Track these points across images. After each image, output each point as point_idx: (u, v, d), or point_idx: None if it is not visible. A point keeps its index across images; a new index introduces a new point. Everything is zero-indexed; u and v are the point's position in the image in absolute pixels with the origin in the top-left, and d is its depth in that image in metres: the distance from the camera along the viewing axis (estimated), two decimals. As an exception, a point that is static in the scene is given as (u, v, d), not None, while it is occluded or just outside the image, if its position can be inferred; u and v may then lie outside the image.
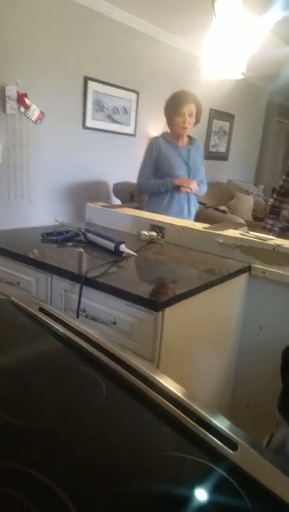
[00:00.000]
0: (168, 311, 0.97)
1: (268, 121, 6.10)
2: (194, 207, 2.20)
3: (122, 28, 3.45)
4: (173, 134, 2.10)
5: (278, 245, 1.28)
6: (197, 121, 2.09)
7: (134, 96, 3.83)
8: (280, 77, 4.53)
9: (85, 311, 1.10)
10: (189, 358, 1.15)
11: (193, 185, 2.07)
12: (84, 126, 3.40)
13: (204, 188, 2.20)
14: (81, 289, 1.08)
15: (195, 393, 0.53)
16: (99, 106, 3.56)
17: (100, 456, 0.44)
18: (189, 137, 2.16)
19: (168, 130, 2.15)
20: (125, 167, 3.78)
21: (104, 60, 3.44)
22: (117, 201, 3.59)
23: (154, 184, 2.11)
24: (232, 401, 1.41)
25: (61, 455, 0.44)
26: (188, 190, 2.05)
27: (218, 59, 1.45)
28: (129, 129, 3.94)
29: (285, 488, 0.40)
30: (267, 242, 1.31)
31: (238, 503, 0.39)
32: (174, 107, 2.02)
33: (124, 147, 3.87)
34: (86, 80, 3.32)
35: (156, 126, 3.86)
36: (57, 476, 0.40)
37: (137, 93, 3.84)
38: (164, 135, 2.14)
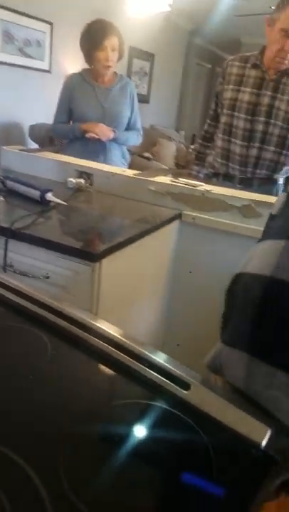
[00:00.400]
0: (105, 261, 0.95)
1: (187, 63, 5.97)
2: (119, 157, 1.93)
3: None
4: (93, 72, 1.84)
5: (207, 191, 1.30)
6: (120, 57, 1.83)
7: (47, 27, 3.41)
8: (200, 16, 4.37)
9: (12, 266, 1.02)
10: (125, 306, 1.17)
11: (102, 131, 1.78)
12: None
13: (134, 138, 1.94)
14: (7, 242, 0.99)
15: (143, 340, 0.53)
16: (8, 37, 3.11)
17: (53, 412, 0.43)
18: (116, 75, 1.89)
19: (82, 59, 1.85)
20: (42, 107, 3.43)
21: None
22: (34, 145, 3.28)
23: (64, 129, 1.90)
24: (164, 342, 1.50)
25: (12, 416, 0.41)
26: (94, 136, 1.78)
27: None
28: (44, 65, 3.53)
29: (242, 421, 0.42)
30: (196, 188, 1.33)
31: (195, 439, 0.41)
32: (93, 40, 1.74)
33: (38, 85, 3.48)
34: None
35: (74, 62, 3.51)
36: (6, 438, 0.37)
37: (51, 24, 3.41)
38: (82, 72, 1.88)
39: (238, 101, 1.58)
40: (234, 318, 0.52)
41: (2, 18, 2.99)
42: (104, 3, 3.42)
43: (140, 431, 0.42)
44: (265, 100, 1.54)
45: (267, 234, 0.55)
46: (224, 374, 0.51)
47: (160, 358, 0.50)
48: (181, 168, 4.43)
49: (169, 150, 4.67)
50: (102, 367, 0.51)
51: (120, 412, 0.45)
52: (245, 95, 1.57)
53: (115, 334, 0.53)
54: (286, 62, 1.47)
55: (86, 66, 1.89)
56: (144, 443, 0.41)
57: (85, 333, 0.53)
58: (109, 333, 0.53)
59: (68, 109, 1.88)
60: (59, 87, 2.04)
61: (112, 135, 1.81)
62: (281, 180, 1.67)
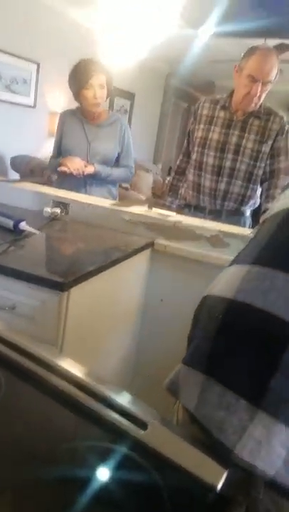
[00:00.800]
0: (74, 290, 0.95)
1: (165, 102, 6.30)
2: (104, 193, 1.87)
3: None
4: (83, 109, 1.85)
5: (178, 221, 1.35)
6: (109, 94, 1.84)
7: (34, 66, 3.59)
8: (177, 60, 4.68)
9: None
10: (94, 336, 1.16)
11: (73, 164, 1.73)
12: None
13: (121, 174, 1.90)
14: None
15: (101, 369, 0.52)
16: (-4, 75, 3.25)
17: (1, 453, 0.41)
18: (107, 112, 1.91)
19: (67, 97, 1.94)
20: (25, 140, 3.53)
21: (2, 27, 3.12)
22: (15, 175, 3.34)
23: (52, 163, 1.93)
24: (134, 372, 1.48)
25: None
26: (64, 170, 1.75)
27: (120, 36, 1.41)
28: (29, 100, 3.67)
29: (198, 463, 0.41)
30: (168, 218, 1.37)
31: (150, 482, 0.39)
32: (80, 79, 1.75)
33: (22, 119, 3.60)
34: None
35: (58, 99, 3.66)
36: None
37: (38, 64, 3.59)
38: (75, 109, 1.90)
39: (208, 139, 1.68)
40: (196, 338, 0.53)
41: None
42: (85, 48, 3.62)
43: (94, 474, 0.40)
44: (234, 139, 1.64)
45: (234, 260, 0.58)
46: (180, 396, 0.52)
47: (120, 396, 0.48)
48: (157, 198, 4.56)
49: (147, 181, 4.82)
50: (58, 406, 0.48)
51: (74, 454, 0.43)
52: (215, 134, 1.67)
53: (73, 371, 0.51)
54: (252, 105, 1.59)
55: (73, 102, 1.93)
56: (97, 486, 0.39)
57: (43, 370, 0.51)
58: (67, 370, 0.51)
59: (59, 144, 1.91)
60: (42, 121, 2.09)
61: (87, 170, 1.77)
62: (248, 213, 1.76)
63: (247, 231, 1.33)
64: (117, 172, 1.89)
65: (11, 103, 3.47)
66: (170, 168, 6.90)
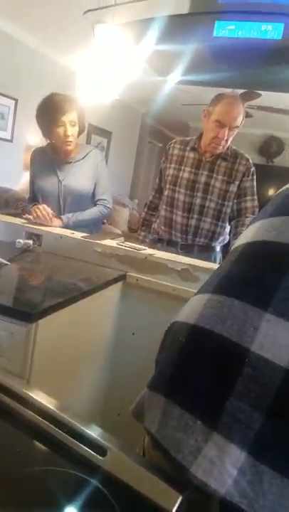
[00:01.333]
0: (42, 322, 0.94)
1: (141, 141, 6.58)
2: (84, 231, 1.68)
3: (2, 36, 3.32)
4: (54, 146, 1.76)
5: (150, 255, 1.38)
6: (82, 130, 1.75)
7: (12, 102, 3.70)
8: (151, 101, 4.96)
9: None
10: (62, 370, 1.13)
11: (39, 217, 1.63)
12: None
13: (95, 213, 1.78)
14: None
15: (67, 405, 0.53)
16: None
17: None
18: (79, 146, 1.80)
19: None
20: (1, 172, 3.56)
21: None
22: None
23: (24, 206, 1.86)
24: (104, 410, 1.44)
25: None
26: (30, 219, 1.66)
27: (95, 80, 1.50)
28: (6, 134, 3.75)
29: (154, 488, 0.42)
30: (140, 251, 1.40)
31: (106, 508, 0.40)
32: (50, 116, 1.64)
33: (0, 152, 3.65)
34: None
35: (35, 133, 3.76)
36: None
37: (16, 100, 3.71)
38: (46, 146, 1.81)
39: (179, 178, 1.77)
40: (161, 362, 0.55)
41: None
42: (62, 87, 3.79)
43: (50, 499, 0.40)
44: (202, 178, 1.73)
45: (199, 290, 0.61)
46: (144, 420, 0.52)
47: (81, 424, 0.49)
48: (133, 232, 4.64)
49: (123, 215, 4.92)
50: (17, 431, 0.48)
51: (32, 479, 0.43)
52: (185, 173, 1.76)
53: (37, 398, 0.52)
54: (220, 147, 1.70)
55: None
56: (51, 509, 0.39)
57: (6, 397, 0.51)
58: (28, 395, 0.52)
59: (33, 184, 1.85)
60: (19, 154, 2.14)
61: (54, 223, 1.65)
62: (218, 248, 1.82)
63: (216, 266, 1.38)
64: (89, 215, 1.77)
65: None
66: (146, 204, 7.10)
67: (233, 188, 1.71)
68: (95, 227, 1.88)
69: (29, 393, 0.53)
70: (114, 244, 1.47)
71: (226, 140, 1.68)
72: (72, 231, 1.60)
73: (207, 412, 0.45)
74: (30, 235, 1.58)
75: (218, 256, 1.83)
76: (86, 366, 1.30)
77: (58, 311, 0.99)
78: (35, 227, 1.60)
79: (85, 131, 4.89)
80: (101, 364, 1.39)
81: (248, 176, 1.73)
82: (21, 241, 1.52)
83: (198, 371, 0.48)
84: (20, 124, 3.83)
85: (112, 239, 1.59)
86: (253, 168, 1.74)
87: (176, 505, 0.40)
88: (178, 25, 1.15)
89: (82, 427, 0.48)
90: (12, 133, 3.79)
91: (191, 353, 0.51)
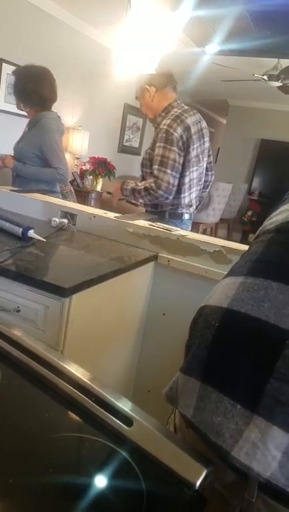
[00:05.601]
0: (75, 297, 0.97)
1: (178, 120, 6.40)
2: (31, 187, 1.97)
3: (37, 13, 3.34)
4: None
5: (182, 236, 1.37)
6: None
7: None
8: (188, 78, 4.78)
9: (-15, 299, 1.03)
10: (94, 345, 1.17)
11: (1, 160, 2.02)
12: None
13: (44, 175, 2.00)
14: (-18, 275, 1.01)
15: (98, 377, 0.54)
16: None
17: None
18: (34, 113, 2.07)
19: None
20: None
21: (18, 43, 3.29)
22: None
23: None
24: (134, 387, 1.48)
25: None
26: None
27: (132, 53, 1.47)
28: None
29: (179, 461, 0.42)
30: (172, 232, 1.39)
31: (131, 478, 0.41)
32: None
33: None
34: (0, 62, 3.16)
35: (71, 113, 3.79)
36: None
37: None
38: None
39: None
40: (193, 346, 0.54)
41: (9, 73, 3.26)
42: (97, 65, 3.76)
43: (76, 465, 0.42)
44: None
45: (229, 272, 0.60)
46: (178, 404, 0.53)
47: (108, 394, 0.50)
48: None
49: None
50: (50, 399, 0.50)
51: (59, 444, 0.45)
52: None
53: (66, 367, 0.54)
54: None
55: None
56: (77, 476, 0.41)
57: (40, 367, 0.53)
58: (62, 366, 0.54)
59: None
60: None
61: (6, 163, 2.00)
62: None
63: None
64: (39, 172, 2.00)
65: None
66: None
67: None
68: (48, 186, 2.06)
69: (62, 364, 0.55)
70: (147, 225, 1.47)
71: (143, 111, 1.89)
72: (105, 211, 1.64)
73: (246, 394, 0.45)
74: (66, 214, 1.61)
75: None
76: (117, 343, 1.34)
77: (90, 288, 1.02)
78: (70, 206, 1.63)
79: (121, 111, 4.88)
80: (132, 342, 1.42)
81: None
82: (57, 220, 1.56)
83: (235, 354, 0.48)
84: (57, 103, 3.86)
85: (144, 219, 1.59)
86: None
87: (201, 478, 0.40)
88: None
89: (110, 398, 0.50)
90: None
91: (226, 336, 0.50)
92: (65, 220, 1.57)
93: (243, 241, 5.67)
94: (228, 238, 4.75)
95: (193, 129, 1.75)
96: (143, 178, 1.90)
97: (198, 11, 1.13)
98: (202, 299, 0.62)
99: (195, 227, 4.49)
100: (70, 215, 1.61)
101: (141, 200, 1.84)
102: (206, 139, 1.84)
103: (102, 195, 3.83)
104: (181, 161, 1.74)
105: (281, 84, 3.63)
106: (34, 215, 1.64)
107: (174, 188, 1.74)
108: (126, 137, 5.07)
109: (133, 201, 1.98)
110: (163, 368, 1.39)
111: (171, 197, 1.75)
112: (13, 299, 1.00)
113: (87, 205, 3.40)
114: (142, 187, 1.76)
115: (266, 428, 0.43)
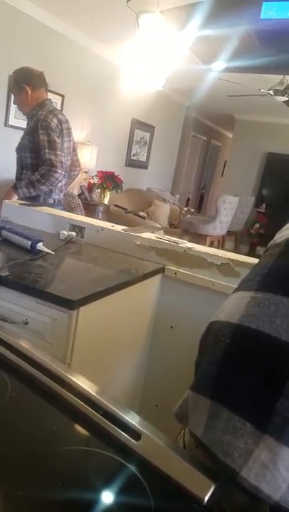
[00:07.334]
0: (83, 310, 0.97)
1: (184, 135, 6.49)
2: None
3: (49, 32, 3.46)
4: None
5: (189, 248, 1.37)
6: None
7: (59, 98, 3.83)
8: (195, 94, 4.86)
9: (-6, 311, 1.04)
10: (101, 358, 1.17)
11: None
12: (6, 124, 3.35)
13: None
14: (-9, 287, 1.02)
15: (105, 390, 0.54)
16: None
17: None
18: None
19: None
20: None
21: (31, 60, 3.41)
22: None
23: None
24: (141, 401, 1.46)
25: None
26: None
27: (140, 70, 1.51)
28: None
29: (187, 476, 0.41)
30: (179, 245, 1.40)
31: (139, 492, 0.40)
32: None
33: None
34: (10, 77, 3.28)
35: (80, 126, 3.87)
36: None
37: (63, 96, 3.83)
38: None
39: None
40: (203, 363, 0.54)
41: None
42: (105, 81, 3.85)
43: (84, 479, 0.42)
44: None
45: (238, 287, 0.59)
46: (188, 422, 0.52)
47: (116, 407, 0.50)
48: (174, 227, 4.61)
49: (164, 211, 4.90)
50: (58, 412, 0.50)
51: (67, 457, 0.45)
52: None
53: (74, 379, 0.54)
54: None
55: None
56: (85, 490, 0.40)
57: (47, 379, 0.54)
58: (69, 379, 0.54)
59: None
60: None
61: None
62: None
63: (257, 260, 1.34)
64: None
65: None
66: (188, 199, 7.03)
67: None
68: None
69: (70, 377, 0.55)
70: (154, 237, 1.48)
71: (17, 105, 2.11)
72: (113, 224, 1.65)
73: (256, 413, 0.44)
74: (74, 227, 1.63)
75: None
76: (124, 356, 1.33)
77: (98, 300, 1.02)
78: (78, 219, 1.65)
79: (128, 126, 4.97)
80: (139, 355, 1.41)
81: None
82: (65, 232, 1.58)
83: (245, 372, 0.47)
84: (67, 116, 3.96)
85: (151, 232, 1.60)
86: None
87: (209, 493, 0.40)
88: (223, 9, 1.11)
89: (118, 411, 0.49)
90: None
91: (237, 353, 0.49)
92: (74, 233, 1.59)
93: (250, 253, 5.66)
94: (236, 251, 4.73)
95: (64, 125, 2.03)
96: (21, 163, 2.06)
97: (205, 30, 1.16)
98: (210, 312, 0.61)
99: (202, 239, 4.49)
100: (79, 228, 1.62)
101: (42, 187, 1.95)
102: (72, 137, 2.14)
103: (109, 207, 3.85)
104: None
105: (287, 98, 3.67)
106: (43, 228, 1.66)
107: (66, 167, 1.94)
108: (133, 151, 5.14)
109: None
110: (171, 382, 1.37)
111: (67, 174, 1.98)
112: (21, 311, 1.01)
113: (95, 218, 3.43)
114: (39, 175, 1.92)
115: (276, 448, 0.42)
